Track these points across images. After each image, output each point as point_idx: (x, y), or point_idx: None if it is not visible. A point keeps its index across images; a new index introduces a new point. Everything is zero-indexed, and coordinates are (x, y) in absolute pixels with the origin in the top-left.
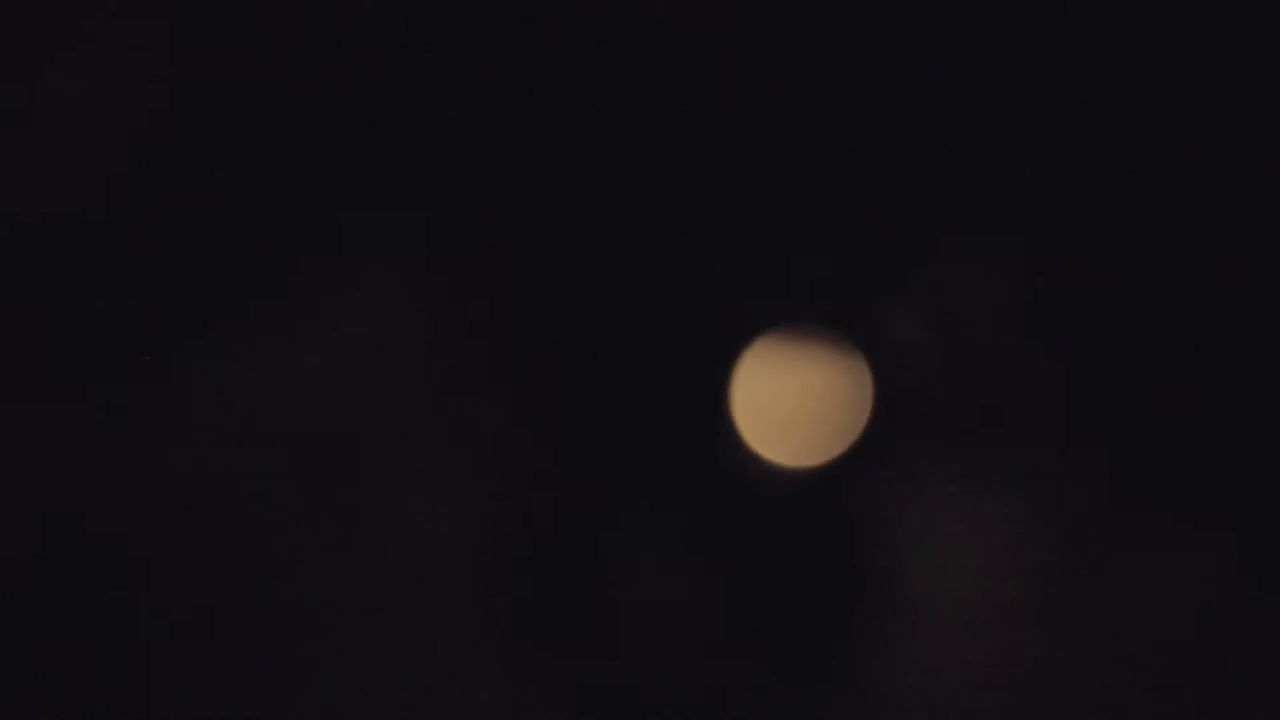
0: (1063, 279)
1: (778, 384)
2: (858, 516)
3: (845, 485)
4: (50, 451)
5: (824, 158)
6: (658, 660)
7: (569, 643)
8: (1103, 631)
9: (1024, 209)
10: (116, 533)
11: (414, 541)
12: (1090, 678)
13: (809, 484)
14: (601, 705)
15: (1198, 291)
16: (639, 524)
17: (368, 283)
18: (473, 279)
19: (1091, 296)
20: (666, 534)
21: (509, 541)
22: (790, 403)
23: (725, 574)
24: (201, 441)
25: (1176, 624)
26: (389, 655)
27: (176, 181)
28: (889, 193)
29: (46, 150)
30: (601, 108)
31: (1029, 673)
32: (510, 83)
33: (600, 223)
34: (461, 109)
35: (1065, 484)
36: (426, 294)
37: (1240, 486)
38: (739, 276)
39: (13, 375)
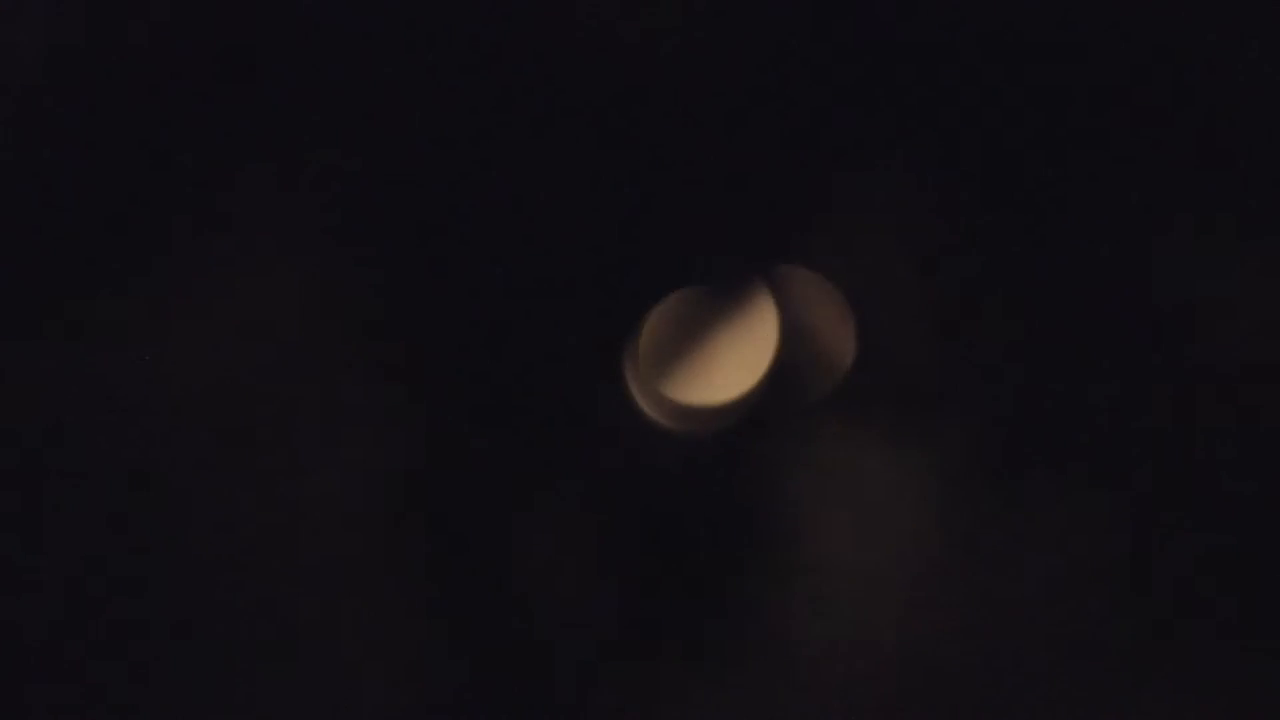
0: (972, 235)
1: (685, 329)
2: (762, 470)
3: (748, 438)
4: None
5: (727, 114)
6: (565, 617)
7: (471, 605)
8: (1011, 591)
9: (935, 164)
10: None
11: (308, 505)
12: (998, 637)
13: (711, 437)
14: (506, 667)
15: (1102, 250)
16: (544, 477)
17: (251, 255)
18: (368, 229)
19: (1003, 252)
20: (570, 486)
21: (407, 496)
22: (697, 348)
23: (626, 527)
24: (83, 421)
25: (1082, 581)
26: (281, 624)
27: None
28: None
29: None
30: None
31: (937, 632)
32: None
33: (500, 175)
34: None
35: (973, 440)
36: (314, 250)
37: (1143, 444)
38: (648, 230)
39: None
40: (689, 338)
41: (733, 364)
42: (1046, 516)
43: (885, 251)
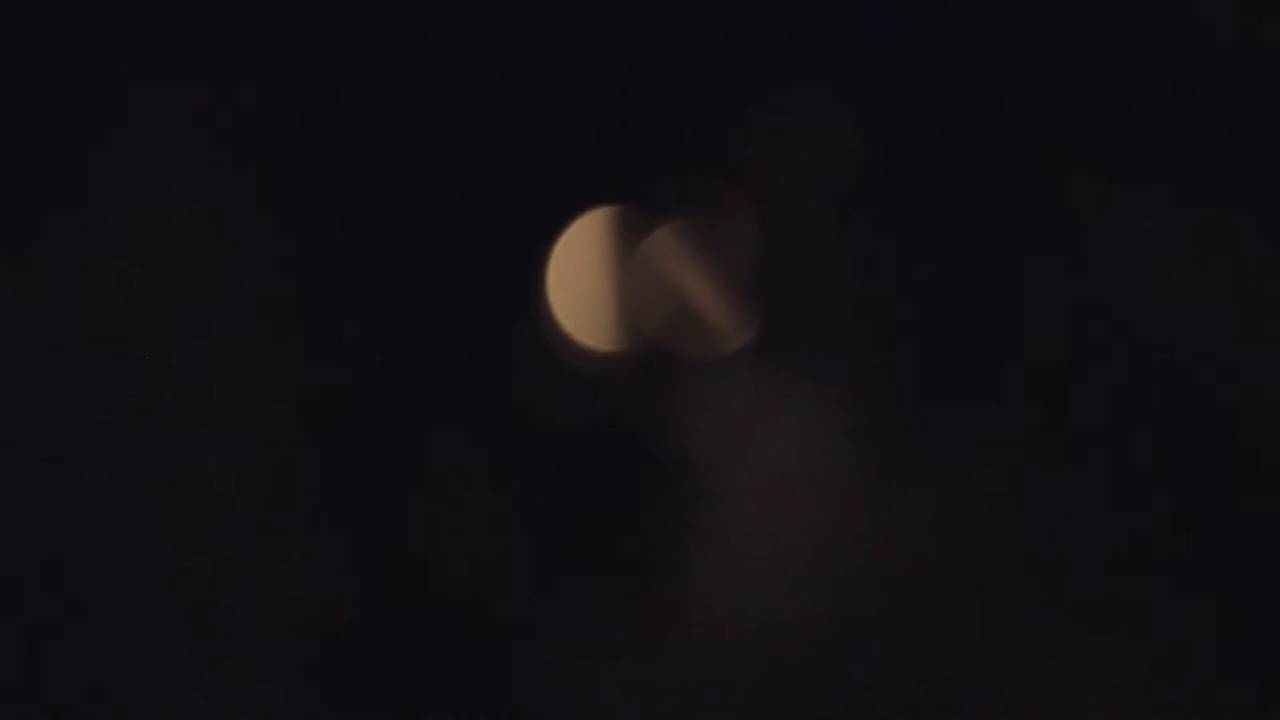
0: (888, 180)
1: (595, 264)
2: (672, 410)
3: (660, 376)
4: None
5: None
6: (478, 576)
7: (386, 554)
8: (925, 540)
9: (854, 106)
10: None
11: (217, 454)
12: (912, 586)
13: (622, 374)
14: (416, 620)
15: (1017, 199)
16: (455, 429)
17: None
18: (270, 166)
19: (918, 198)
20: (483, 438)
21: (324, 442)
22: (607, 283)
23: (537, 470)
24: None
25: (997, 529)
26: (198, 576)
27: None
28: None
29: None
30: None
31: (852, 582)
32: None
33: (418, 107)
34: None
35: (887, 387)
36: (226, 186)
37: (1056, 392)
38: (555, 165)
39: None
40: (603, 284)
41: (645, 310)
42: (959, 464)
43: (801, 197)
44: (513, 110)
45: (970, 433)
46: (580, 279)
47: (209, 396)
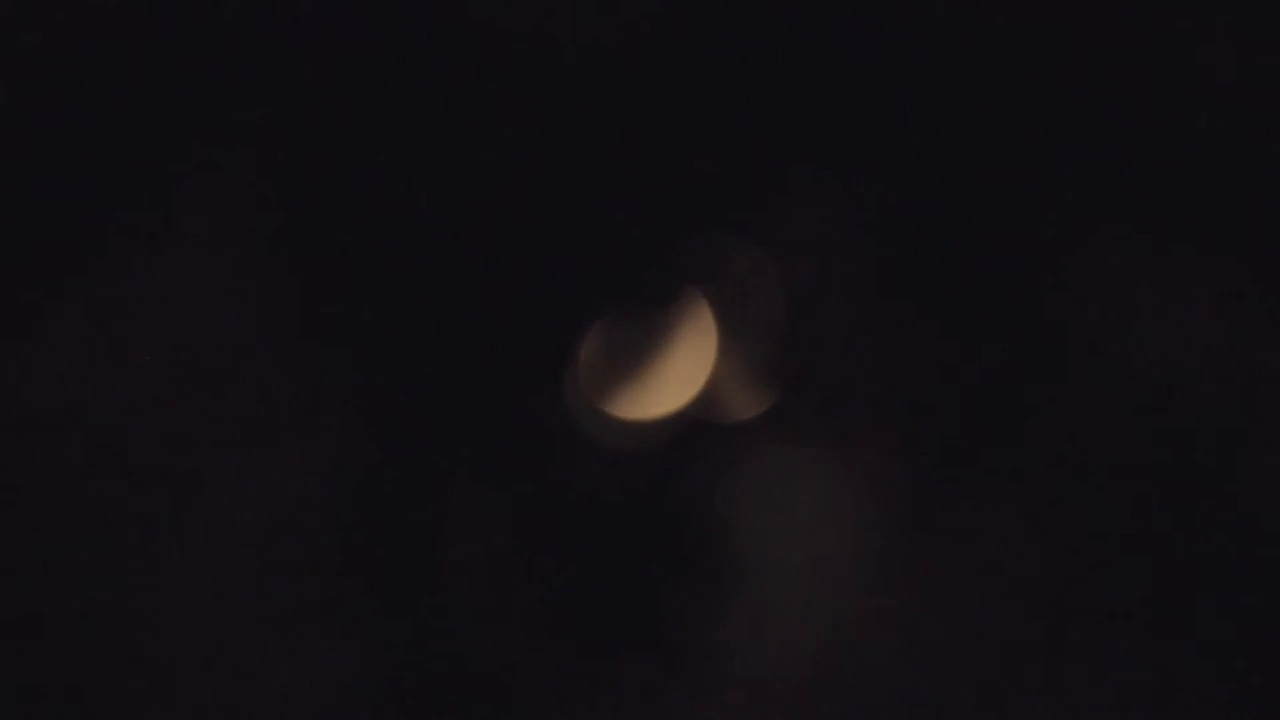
0: (908, 249)
1: (624, 345)
2: (703, 482)
3: (683, 446)
4: None
5: (666, 124)
6: (503, 632)
7: (412, 617)
8: (935, 605)
9: (870, 165)
10: None
11: (248, 512)
12: (939, 645)
13: (647, 442)
14: (435, 670)
15: (1038, 259)
16: (484, 494)
17: (192, 259)
18: (307, 247)
19: (945, 246)
20: (511, 502)
21: (348, 506)
22: (636, 363)
23: (566, 542)
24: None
25: (1019, 591)
26: (219, 626)
27: None
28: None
29: None
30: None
31: (880, 629)
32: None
33: (442, 188)
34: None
35: (909, 452)
36: (255, 242)
37: (1083, 456)
38: (583, 245)
39: None
40: (628, 353)
41: (670, 378)
42: (983, 527)
43: (821, 265)
44: (550, 197)
45: (993, 500)
46: (607, 349)
47: (228, 476)
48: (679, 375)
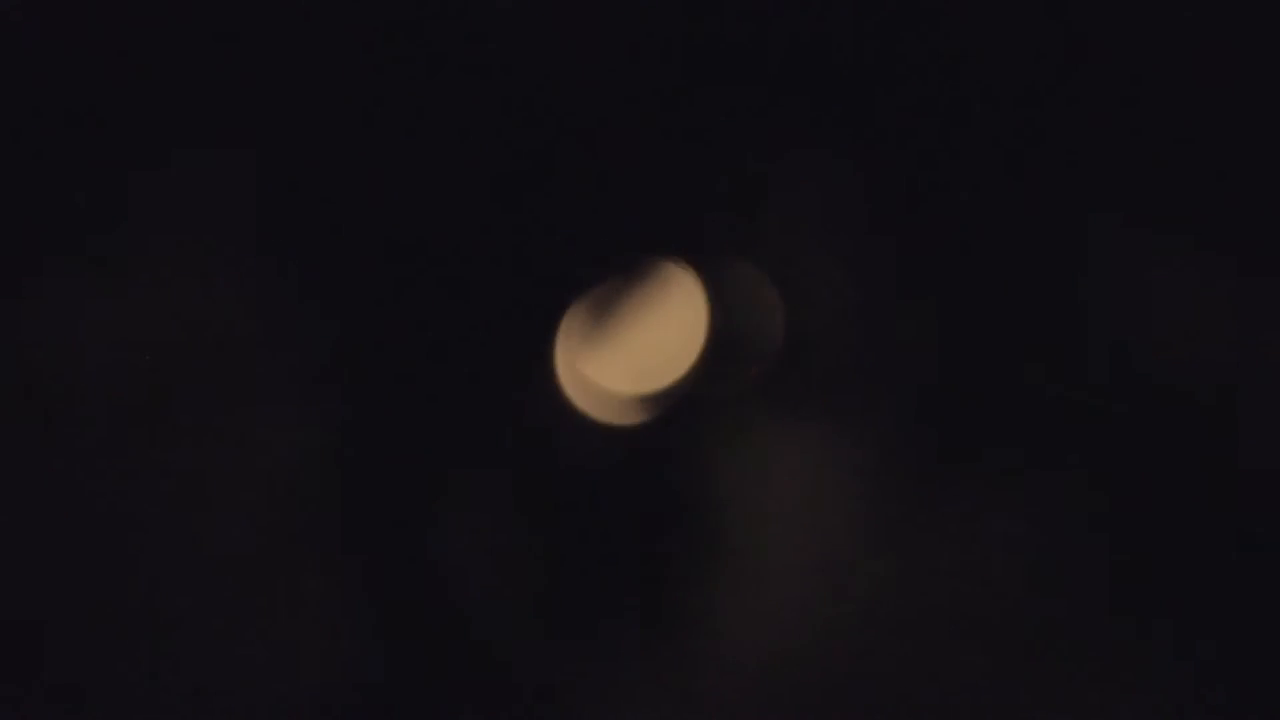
0: (901, 223)
1: (615, 323)
2: (693, 458)
3: (680, 425)
4: None
5: (663, 104)
6: (493, 610)
7: (400, 599)
8: (937, 582)
9: (863, 152)
10: None
11: (230, 505)
12: (926, 628)
13: (642, 424)
14: (431, 662)
15: (1033, 238)
16: (473, 468)
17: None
18: (293, 217)
19: (937, 235)
20: (500, 478)
21: (331, 489)
22: (628, 341)
23: (557, 517)
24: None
25: (1006, 575)
26: (214, 596)
27: None
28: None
29: None
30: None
31: (867, 622)
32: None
33: (431, 166)
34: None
35: (900, 425)
36: (238, 227)
37: (1071, 432)
38: (574, 220)
39: None
40: (618, 326)
41: (661, 352)
42: (972, 503)
43: (814, 239)
44: (541, 170)
45: (986, 473)
46: (595, 327)
47: (224, 472)
48: (670, 350)
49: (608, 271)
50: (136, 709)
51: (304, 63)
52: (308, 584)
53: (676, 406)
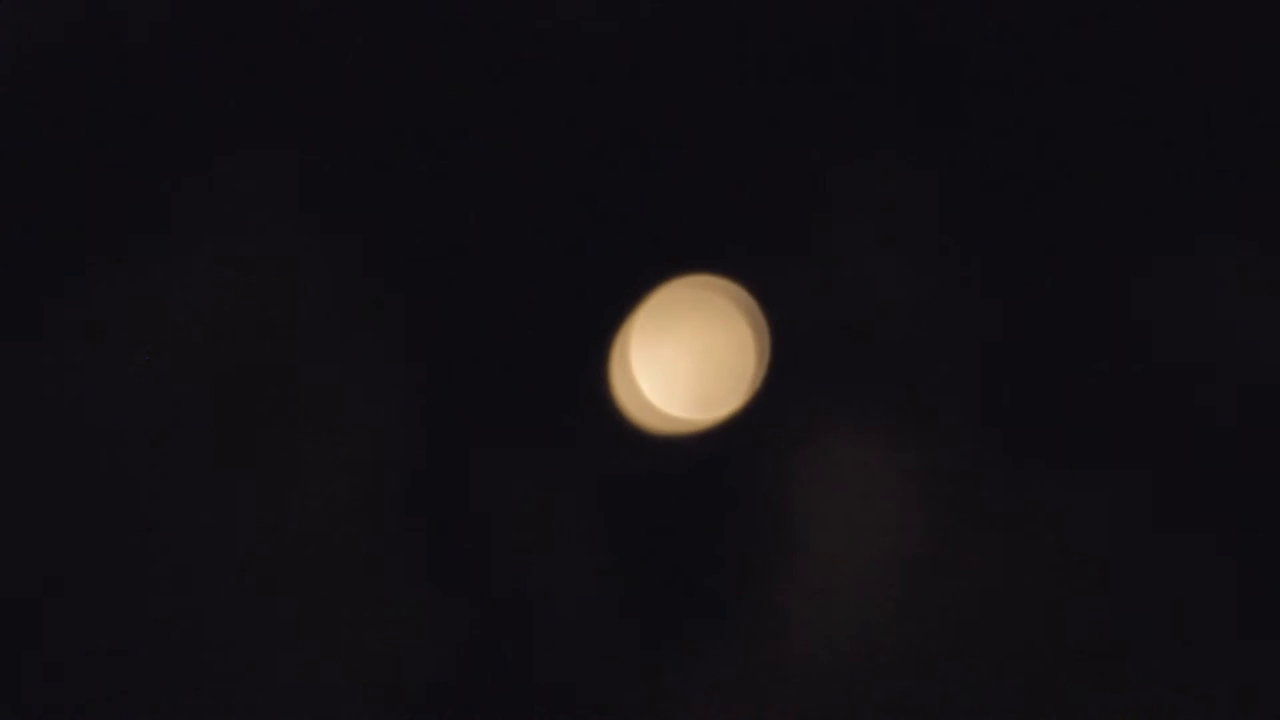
0: (963, 223)
1: (672, 337)
2: (756, 470)
3: (742, 438)
4: None
5: (713, 111)
6: (555, 618)
7: (463, 605)
8: (1001, 583)
9: (917, 159)
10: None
11: (304, 505)
12: (991, 629)
13: (705, 438)
14: (489, 665)
15: (1091, 246)
16: (529, 481)
17: (242, 253)
18: (355, 231)
19: (993, 239)
20: (560, 491)
21: (397, 499)
22: (685, 355)
23: (619, 529)
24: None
25: (1073, 574)
26: (272, 604)
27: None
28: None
29: None
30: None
31: (930, 624)
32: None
33: (489, 175)
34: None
35: (964, 435)
36: (305, 240)
37: (1137, 439)
38: (629, 233)
39: None
40: (675, 341)
41: (721, 375)
42: (1041, 515)
43: (877, 254)
44: (596, 187)
45: (1051, 472)
46: (652, 347)
47: (299, 453)
48: (727, 373)
49: (664, 283)
50: (203, 710)
51: (361, 76)
52: (370, 593)
53: (737, 414)
